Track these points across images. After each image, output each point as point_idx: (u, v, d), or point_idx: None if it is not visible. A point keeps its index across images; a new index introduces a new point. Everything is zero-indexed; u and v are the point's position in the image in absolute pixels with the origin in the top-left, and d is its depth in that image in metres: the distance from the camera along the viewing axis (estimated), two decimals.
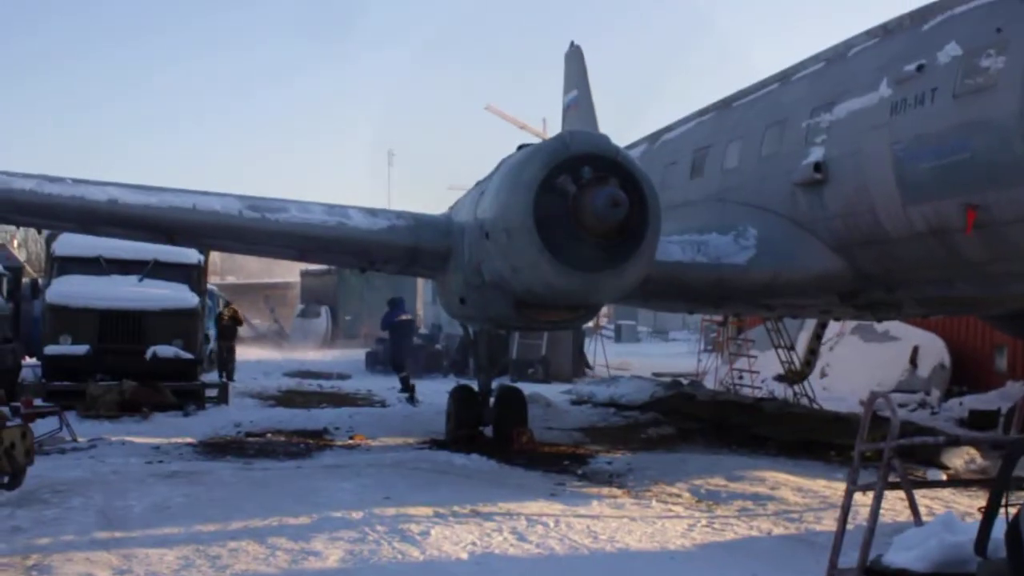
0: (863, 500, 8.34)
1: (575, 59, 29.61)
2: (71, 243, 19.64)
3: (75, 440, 14.40)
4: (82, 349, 18.74)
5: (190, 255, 20.55)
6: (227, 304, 29.43)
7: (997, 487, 3.11)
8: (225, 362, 26.65)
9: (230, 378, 24.84)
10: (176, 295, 19.91)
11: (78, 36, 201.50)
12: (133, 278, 19.97)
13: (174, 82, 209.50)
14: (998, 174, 10.42)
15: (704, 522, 9.72)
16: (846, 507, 5.64)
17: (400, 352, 26.02)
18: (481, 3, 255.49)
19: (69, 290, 19.27)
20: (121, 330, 19.13)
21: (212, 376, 24.03)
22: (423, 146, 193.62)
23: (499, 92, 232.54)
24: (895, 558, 3.87)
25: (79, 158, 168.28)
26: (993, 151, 10.41)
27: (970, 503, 10.52)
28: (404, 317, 26.80)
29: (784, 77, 15.46)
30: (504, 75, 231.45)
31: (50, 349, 18.92)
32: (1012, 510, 2.71)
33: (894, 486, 5.49)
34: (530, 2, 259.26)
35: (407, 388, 23.70)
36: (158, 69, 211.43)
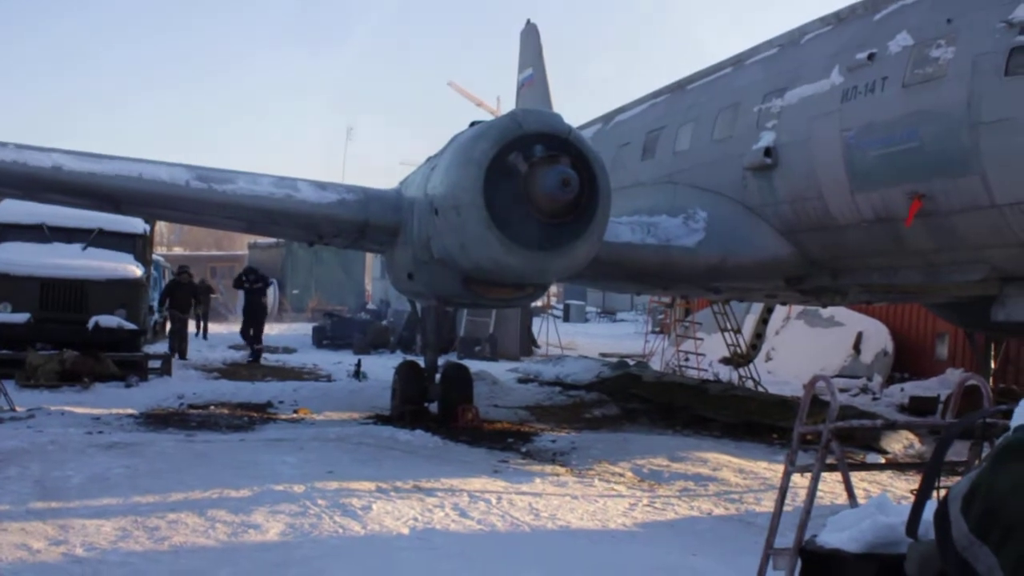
0: (802, 482, 8.41)
1: (531, 37, 29.56)
2: (13, 210, 19.28)
3: (13, 409, 14.16)
4: (22, 317, 18.45)
5: (136, 225, 20.33)
6: (183, 270, 26.31)
7: (929, 470, 3.14)
8: (176, 335, 24.36)
9: (182, 356, 23.64)
10: (120, 265, 19.67)
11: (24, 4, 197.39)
12: (77, 246, 19.71)
13: (126, 56, 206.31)
14: (944, 164, 10.56)
15: (646, 501, 9.78)
16: (783, 488, 5.69)
17: (250, 320, 25.70)
18: None
19: (10, 257, 18.94)
20: (63, 299, 18.88)
21: (157, 347, 23.78)
22: (382, 122, 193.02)
23: (457, 69, 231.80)
24: (828, 538, 3.90)
25: (23, 131, 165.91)
26: (940, 141, 10.55)
27: (907, 486, 10.69)
28: (252, 285, 26.19)
29: (738, 61, 15.54)
30: (463, 52, 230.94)
31: None
32: (944, 493, 2.74)
33: (831, 468, 5.54)
34: None
35: (258, 356, 24.77)
36: (110, 42, 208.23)
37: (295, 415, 15.26)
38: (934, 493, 3.15)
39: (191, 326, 26.88)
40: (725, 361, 22.25)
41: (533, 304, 18.55)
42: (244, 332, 25.61)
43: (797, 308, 23.42)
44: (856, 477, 8.00)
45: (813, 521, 5.37)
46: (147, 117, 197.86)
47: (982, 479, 2.53)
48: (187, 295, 25.14)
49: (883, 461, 12.40)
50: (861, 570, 3.74)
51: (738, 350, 21.47)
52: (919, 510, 3.16)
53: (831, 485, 9.57)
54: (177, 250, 76.59)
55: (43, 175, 13.53)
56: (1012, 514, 2.42)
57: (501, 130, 11.86)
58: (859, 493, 6.02)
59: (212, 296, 31.66)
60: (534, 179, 11.52)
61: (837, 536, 3.84)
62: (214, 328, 34.50)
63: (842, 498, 8.74)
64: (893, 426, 6.55)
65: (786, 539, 5.88)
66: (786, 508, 5.90)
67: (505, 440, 13.55)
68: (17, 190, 14.32)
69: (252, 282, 26.10)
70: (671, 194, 15.46)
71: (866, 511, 3.87)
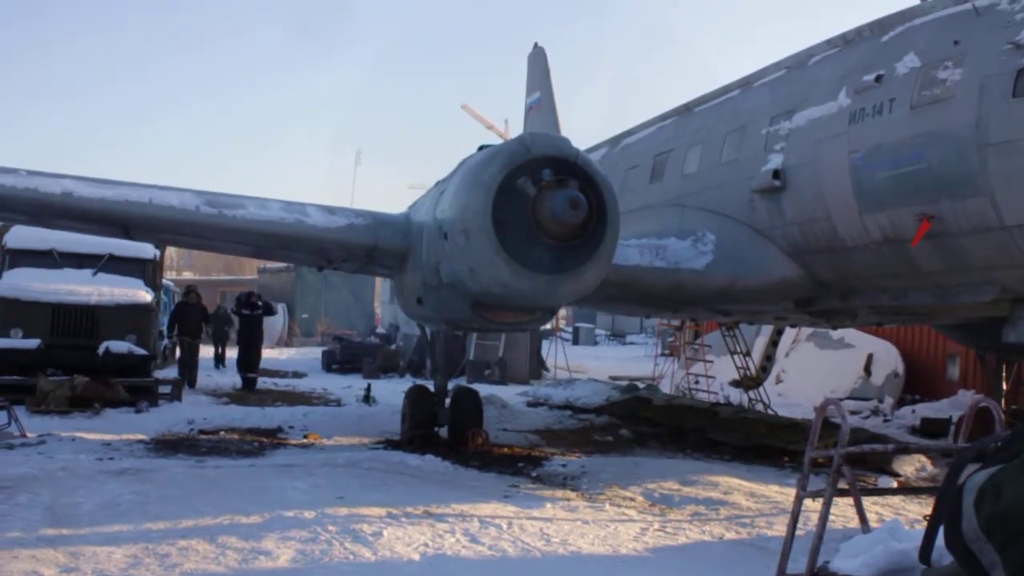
0: (814, 506, 8.38)
1: (538, 60, 29.65)
2: (24, 235, 19.36)
3: (24, 435, 14.18)
4: (33, 343, 18.49)
5: (146, 250, 20.36)
6: (190, 290, 25.40)
7: (942, 495, 3.13)
8: (186, 364, 23.35)
9: (191, 385, 22.71)
10: (130, 290, 19.71)
11: (34, 29, 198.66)
12: (87, 272, 19.73)
13: (137, 81, 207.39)
14: (953, 185, 10.55)
15: (657, 526, 9.74)
16: (795, 513, 5.67)
17: (243, 348, 24.63)
18: (447, 5, 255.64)
19: (21, 283, 19.00)
20: (73, 324, 18.91)
21: (167, 372, 23.78)
22: (391, 146, 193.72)
23: (464, 92, 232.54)
24: (842, 564, 3.89)
25: (29, 156, 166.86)
26: (949, 162, 10.54)
27: (919, 510, 10.63)
28: (252, 311, 25.03)
29: (745, 84, 15.56)
30: (472, 76, 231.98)
31: (0, 342, 18.64)
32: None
33: (843, 493, 5.52)
34: (497, 4, 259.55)
35: (250, 385, 23.80)
36: (119, 68, 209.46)
37: (305, 440, 15.24)
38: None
39: (206, 351, 26.58)
40: (735, 384, 22.18)
41: (542, 327, 18.50)
42: (239, 361, 24.62)
43: (807, 330, 23.36)
44: (868, 500, 7.97)
45: (825, 545, 5.35)
46: (153, 143, 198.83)
47: (999, 480, 2.55)
48: (196, 319, 24.24)
49: (895, 484, 12.33)
50: None
51: (748, 372, 21.42)
52: (932, 536, 3.14)
53: (843, 508, 9.52)
54: (187, 274, 76.96)
55: (54, 201, 13.59)
56: (1021, 522, 2.46)
57: (510, 154, 11.89)
58: (871, 517, 6.00)
59: (228, 328, 30.76)
60: (543, 203, 11.54)
61: (850, 562, 3.83)
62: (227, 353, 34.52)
63: (854, 522, 8.70)
64: (905, 450, 6.53)
65: (798, 564, 5.86)
66: (798, 532, 5.89)
67: (515, 464, 13.52)
68: (28, 216, 14.37)
69: (252, 308, 25.00)
70: (679, 217, 15.46)
71: (879, 537, 3.86)
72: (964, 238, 10.79)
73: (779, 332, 21.88)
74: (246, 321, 24.90)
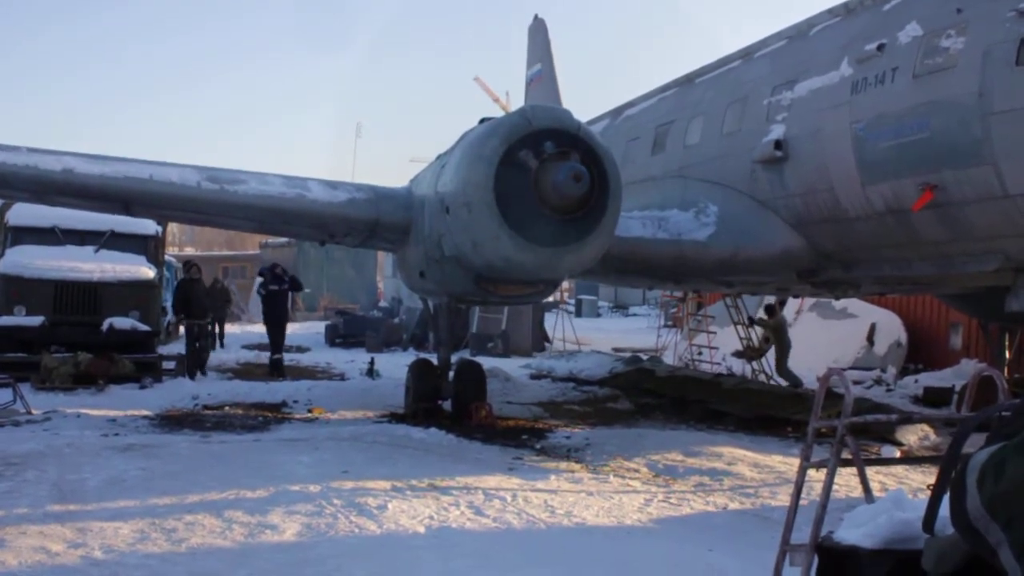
0: (818, 476, 8.40)
1: (539, 32, 29.50)
2: (26, 213, 19.36)
3: (29, 412, 14.25)
4: (37, 320, 18.52)
5: (147, 226, 20.38)
6: (190, 265, 22.70)
7: (946, 465, 3.14)
8: (194, 347, 20.72)
9: (201, 371, 20.66)
10: (133, 266, 19.73)
11: (35, 8, 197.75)
12: (89, 249, 19.76)
13: (133, 59, 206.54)
14: (956, 154, 10.52)
15: (661, 497, 9.77)
16: (799, 484, 5.68)
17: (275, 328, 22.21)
18: None
19: (24, 260, 19.03)
20: (77, 301, 18.94)
21: (171, 348, 23.79)
22: (391, 119, 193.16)
23: (466, 65, 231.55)
24: (845, 535, 3.90)
25: (30, 133, 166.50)
26: (951, 131, 10.51)
27: (923, 479, 10.65)
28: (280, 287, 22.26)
29: (746, 54, 15.50)
30: (472, 49, 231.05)
31: (3, 320, 18.65)
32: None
33: (847, 463, 5.53)
34: None
35: (278, 371, 21.44)
36: (117, 46, 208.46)
37: (309, 414, 15.29)
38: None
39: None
40: (738, 354, 22.21)
41: (545, 300, 18.45)
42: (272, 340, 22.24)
43: (809, 300, 23.36)
44: (871, 470, 7.98)
45: (829, 515, 5.36)
46: (152, 119, 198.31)
47: (1000, 458, 2.57)
48: (201, 297, 21.55)
49: (898, 453, 12.37)
50: (878, 566, 3.74)
51: (751, 343, 21.44)
52: (936, 506, 3.16)
53: (846, 478, 9.54)
54: (188, 250, 76.95)
55: (54, 178, 13.58)
56: (1021, 504, 2.48)
57: (511, 127, 11.85)
58: (874, 486, 6.00)
59: (228, 304, 29.57)
60: (545, 175, 11.52)
61: (854, 532, 3.83)
62: (227, 327, 34.54)
63: (857, 491, 8.72)
64: (909, 420, 6.54)
65: (802, 534, 5.87)
66: (801, 502, 5.90)
67: (519, 437, 13.56)
68: (29, 193, 14.35)
69: (279, 281, 22.21)
70: (681, 188, 15.44)
71: (882, 507, 3.87)
72: (967, 207, 10.77)
73: (782, 303, 21.86)
74: (271, 297, 22.23)
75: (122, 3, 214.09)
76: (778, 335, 20.47)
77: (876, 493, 5.50)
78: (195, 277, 21.68)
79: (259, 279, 23.03)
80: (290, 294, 22.74)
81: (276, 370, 21.49)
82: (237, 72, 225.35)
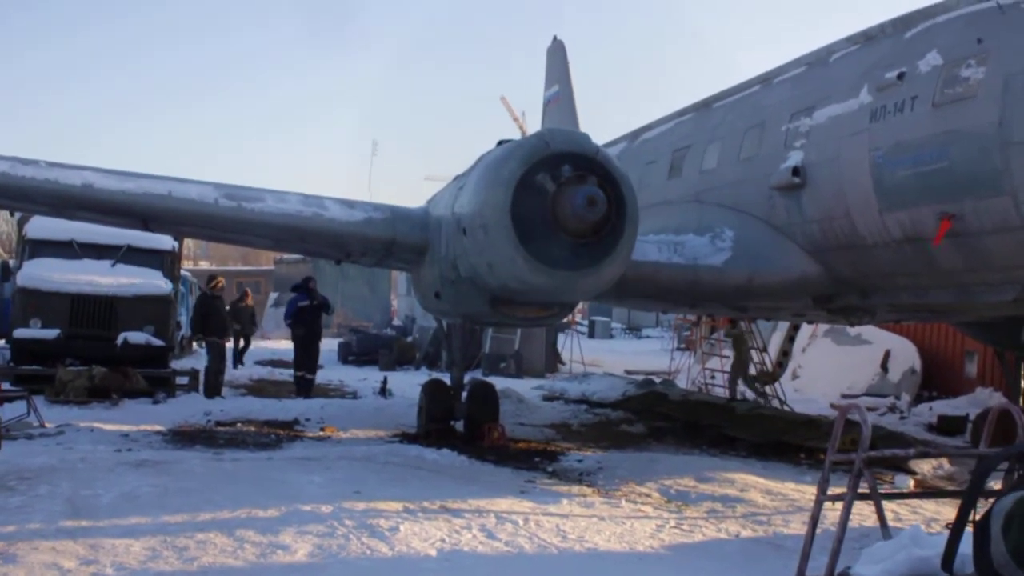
0: (832, 505, 8.38)
1: (557, 54, 29.58)
2: (44, 226, 19.45)
3: (43, 425, 14.30)
4: (52, 333, 18.60)
5: (164, 241, 20.43)
6: (213, 278, 21.59)
7: (965, 504, 3.12)
8: (214, 374, 19.77)
9: (217, 392, 19.53)
10: (149, 281, 19.78)
11: (56, 14, 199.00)
12: (106, 263, 19.83)
13: (152, 67, 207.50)
14: (975, 184, 10.48)
15: (673, 523, 9.73)
16: (815, 516, 5.67)
17: (302, 346, 21.11)
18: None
19: (41, 273, 19.12)
20: (92, 315, 19.00)
21: (184, 363, 23.83)
22: (407, 138, 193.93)
23: (482, 85, 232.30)
24: (863, 571, 3.89)
25: (48, 143, 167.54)
26: (971, 161, 10.47)
27: (936, 508, 10.60)
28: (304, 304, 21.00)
29: (765, 80, 15.49)
30: (490, 69, 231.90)
31: (19, 332, 18.75)
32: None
33: (864, 496, 5.51)
34: None
35: (305, 389, 20.53)
36: (135, 55, 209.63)
37: (321, 433, 15.28)
38: (970, 526, 3.14)
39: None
40: (752, 379, 22.12)
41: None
42: (296, 361, 21.19)
43: (824, 326, 23.29)
44: (884, 501, 7.93)
45: (844, 545, 5.34)
46: (168, 130, 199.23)
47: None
48: (222, 314, 20.90)
49: (912, 482, 12.31)
50: None
51: (764, 368, 21.36)
52: (955, 544, 3.14)
53: (859, 507, 9.46)
54: (203, 264, 77.25)
55: (74, 193, 13.65)
56: None
57: (529, 150, 11.86)
58: (888, 515, 5.97)
59: (253, 323, 28.71)
60: (562, 199, 11.51)
61: (872, 569, 3.82)
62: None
63: (870, 520, 8.68)
64: (927, 455, 6.51)
65: (817, 563, 5.84)
66: (816, 531, 5.88)
67: (531, 459, 13.53)
68: (49, 207, 14.43)
69: (311, 296, 21.06)
70: (698, 213, 15.42)
71: (901, 543, 3.85)
72: (986, 237, 10.72)
73: (796, 328, 21.80)
74: (303, 312, 20.91)
75: (133, 11, 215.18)
76: (738, 346, 20.63)
77: (889, 522, 5.48)
78: (217, 294, 20.86)
79: (292, 294, 21.82)
80: (320, 312, 21.36)
81: (304, 389, 20.57)
82: (254, 89, 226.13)
